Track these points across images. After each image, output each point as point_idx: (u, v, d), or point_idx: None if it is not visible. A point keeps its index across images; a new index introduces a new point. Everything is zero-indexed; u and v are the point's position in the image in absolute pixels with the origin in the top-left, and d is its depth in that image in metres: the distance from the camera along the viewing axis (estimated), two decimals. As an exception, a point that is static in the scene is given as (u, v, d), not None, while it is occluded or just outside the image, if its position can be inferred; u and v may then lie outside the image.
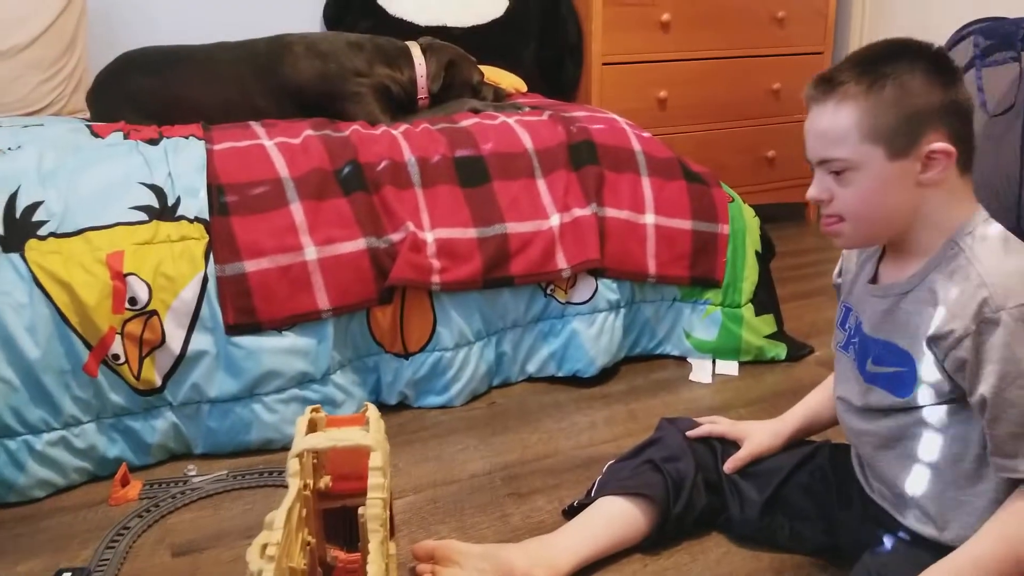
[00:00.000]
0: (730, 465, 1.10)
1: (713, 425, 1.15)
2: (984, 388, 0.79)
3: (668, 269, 1.62)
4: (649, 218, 1.62)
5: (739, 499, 1.08)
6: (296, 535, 0.80)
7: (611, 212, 1.60)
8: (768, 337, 1.67)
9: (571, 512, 1.13)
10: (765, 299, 1.69)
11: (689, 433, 1.14)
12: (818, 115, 0.87)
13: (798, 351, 1.70)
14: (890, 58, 0.85)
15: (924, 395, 0.86)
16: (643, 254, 1.61)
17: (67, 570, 1.05)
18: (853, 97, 0.84)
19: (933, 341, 0.83)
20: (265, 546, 0.78)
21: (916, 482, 0.89)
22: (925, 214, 0.86)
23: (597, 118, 1.73)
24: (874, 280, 0.95)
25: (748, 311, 1.66)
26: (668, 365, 1.67)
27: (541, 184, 1.58)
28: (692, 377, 1.61)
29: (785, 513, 1.06)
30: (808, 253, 2.43)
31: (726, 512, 1.09)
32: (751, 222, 1.71)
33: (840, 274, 1.06)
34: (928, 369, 0.85)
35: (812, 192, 0.89)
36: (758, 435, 1.11)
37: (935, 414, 0.86)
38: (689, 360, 1.67)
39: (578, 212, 1.57)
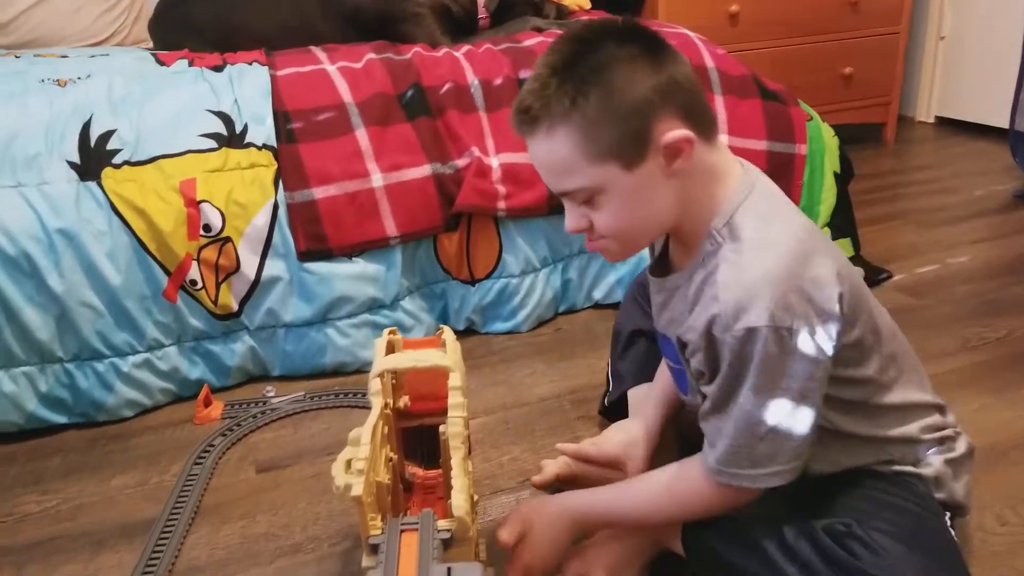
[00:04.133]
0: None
1: (581, 450, 1.05)
2: (710, 389, 0.76)
3: (741, 192, 1.56)
4: (723, 139, 1.54)
5: None
6: (379, 451, 0.82)
7: (682, 133, 1.54)
8: (845, 261, 1.61)
9: (608, 410, 1.17)
10: (843, 222, 1.63)
11: (562, 449, 1.07)
12: (534, 148, 0.76)
13: (876, 276, 1.64)
14: (583, 56, 0.72)
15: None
16: (715, 176, 1.55)
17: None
18: (561, 119, 0.72)
19: (680, 344, 0.80)
20: (349, 461, 0.79)
21: None
22: (687, 204, 0.77)
23: (667, 34, 1.64)
24: (658, 269, 0.88)
25: (825, 234, 1.60)
26: (737, 290, 1.63)
27: (609, 105, 1.53)
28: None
29: None
30: (885, 176, 2.34)
31: None
32: (830, 142, 1.63)
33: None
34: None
35: (569, 225, 0.79)
36: (636, 457, 1.01)
37: None
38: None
39: (648, 133, 1.51)
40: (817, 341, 0.71)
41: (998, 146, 2.50)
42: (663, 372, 1.03)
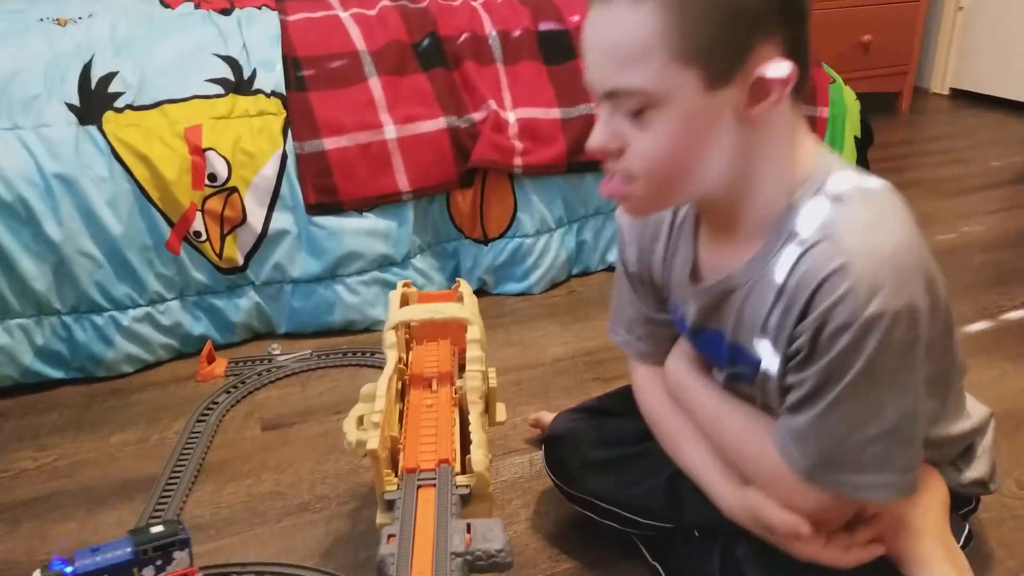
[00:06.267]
0: None
1: None
2: (805, 376, 0.61)
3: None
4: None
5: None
6: (394, 406, 0.77)
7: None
8: (867, 229, 1.57)
9: None
10: (866, 189, 1.57)
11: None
12: (602, 18, 0.58)
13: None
14: None
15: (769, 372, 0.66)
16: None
17: (159, 522, 0.77)
18: None
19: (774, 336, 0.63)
20: (361, 418, 0.75)
21: None
22: (752, 168, 0.61)
23: None
24: (694, 273, 0.71)
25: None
26: (756, 256, 1.59)
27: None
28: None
29: None
30: (899, 145, 2.31)
31: None
32: (852, 105, 1.58)
33: (630, 262, 0.78)
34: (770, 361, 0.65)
35: (597, 139, 0.61)
36: None
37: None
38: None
39: (671, 90, 1.45)
40: (932, 327, 0.60)
41: (1014, 118, 2.47)
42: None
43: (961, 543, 0.74)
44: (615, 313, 0.85)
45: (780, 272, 0.61)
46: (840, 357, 0.58)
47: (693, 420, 0.76)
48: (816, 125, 1.53)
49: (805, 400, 0.61)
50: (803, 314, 0.59)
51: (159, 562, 0.70)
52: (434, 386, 0.79)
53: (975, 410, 0.79)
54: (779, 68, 0.57)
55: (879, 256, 0.56)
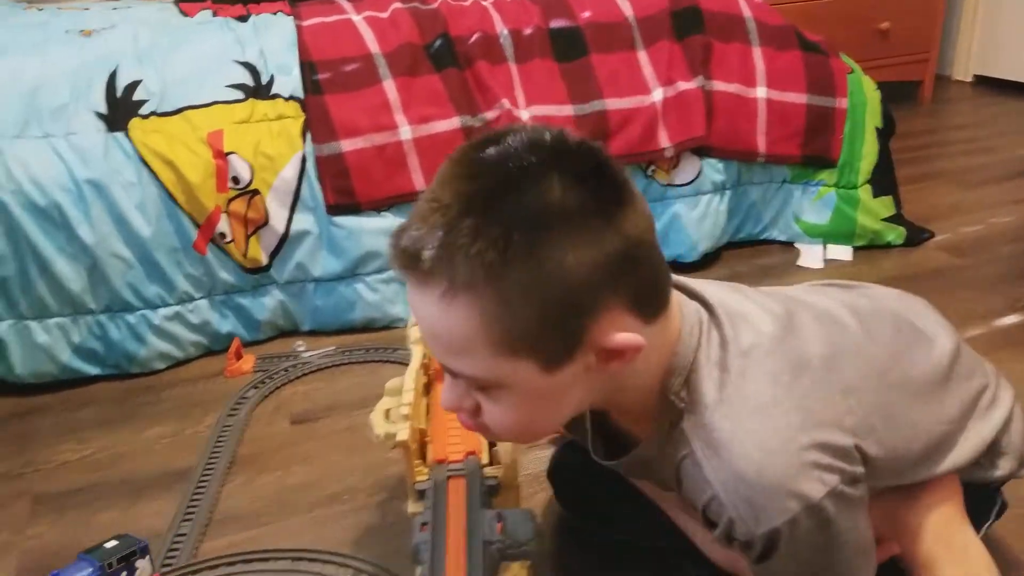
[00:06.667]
0: None
1: None
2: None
3: (779, 147, 1.53)
4: (760, 91, 1.51)
5: None
6: (420, 399, 0.81)
7: (719, 85, 1.50)
8: (886, 220, 1.58)
9: None
10: (884, 179, 1.58)
11: None
12: (419, 304, 0.53)
13: (917, 235, 1.60)
14: (513, 196, 0.50)
15: None
16: (752, 131, 1.51)
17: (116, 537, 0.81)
18: (466, 287, 0.50)
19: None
20: (388, 411, 0.78)
21: None
22: (618, 388, 0.59)
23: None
24: (605, 448, 0.70)
25: (865, 192, 1.56)
26: (773, 251, 1.60)
27: (643, 56, 1.49)
28: (801, 263, 1.54)
29: None
30: (920, 135, 2.28)
31: None
32: (872, 95, 1.58)
33: None
34: None
35: (447, 401, 0.59)
36: None
37: None
38: (797, 246, 1.59)
39: (683, 86, 1.47)
40: (857, 490, 0.57)
41: (1040, 106, 2.43)
42: None
43: (993, 517, 0.74)
44: None
45: (670, 468, 0.61)
46: (760, 556, 0.57)
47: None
48: (835, 116, 1.54)
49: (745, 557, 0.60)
50: (707, 522, 0.60)
51: (124, 574, 0.73)
52: None
53: (999, 403, 0.73)
54: (625, 339, 0.53)
55: (745, 481, 0.54)
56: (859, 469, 0.58)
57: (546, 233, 0.50)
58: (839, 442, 0.57)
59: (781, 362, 0.59)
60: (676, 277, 0.62)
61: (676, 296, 0.61)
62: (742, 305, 0.63)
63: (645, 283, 0.55)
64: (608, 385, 0.58)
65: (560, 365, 0.53)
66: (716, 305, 0.62)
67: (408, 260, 0.52)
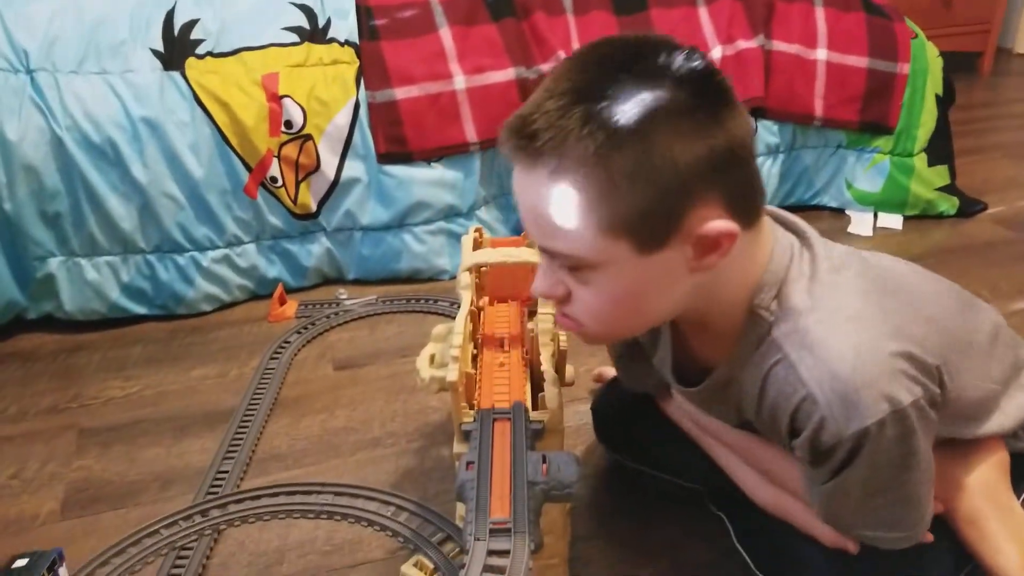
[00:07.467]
0: None
1: None
2: (813, 475, 0.63)
3: (837, 112, 1.48)
4: (821, 53, 1.46)
5: None
6: (467, 345, 0.81)
7: (779, 45, 1.45)
8: (939, 190, 1.53)
9: None
10: (940, 148, 1.53)
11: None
12: (524, 183, 0.56)
13: (970, 207, 1.55)
14: (624, 89, 0.52)
15: None
16: (811, 94, 1.47)
17: (24, 555, 0.77)
18: (575, 164, 0.52)
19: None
20: (432, 356, 0.78)
21: None
22: (708, 294, 0.60)
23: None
24: (675, 370, 0.71)
25: (920, 161, 1.51)
26: (824, 216, 1.57)
27: (703, 12, 1.45)
28: (850, 230, 1.51)
29: None
30: (978, 108, 2.22)
31: None
32: (934, 62, 1.53)
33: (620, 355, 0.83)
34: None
35: (540, 287, 0.61)
36: None
37: None
38: (848, 212, 1.55)
39: (743, 44, 1.43)
40: (934, 413, 0.59)
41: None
42: None
43: None
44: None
45: (753, 384, 0.62)
46: (841, 463, 0.59)
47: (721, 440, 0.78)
48: (896, 82, 1.49)
49: (817, 475, 0.62)
50: (791, 431, 0.61)
51: None
52: (506, 346, 0.82)
53: None
54: (720, 226, 0.54)
55: (840, 379, 0.56)
56: (938, 390, 0.60)
57: (656, 122, 0.52)
58: (925, 358, 0.59)
59: (870, 283, 0.62)
60: (771, 207, 0.64)
61: (769, 221, 0.63)
62: (830, 242, 0.66)
63: (743, 185, 0.57)
64: (699, 292, 0.59)
65: (656, 249, 0.55)
66: (809, 233, 0.64)
67: (520, 139, 0.54)
